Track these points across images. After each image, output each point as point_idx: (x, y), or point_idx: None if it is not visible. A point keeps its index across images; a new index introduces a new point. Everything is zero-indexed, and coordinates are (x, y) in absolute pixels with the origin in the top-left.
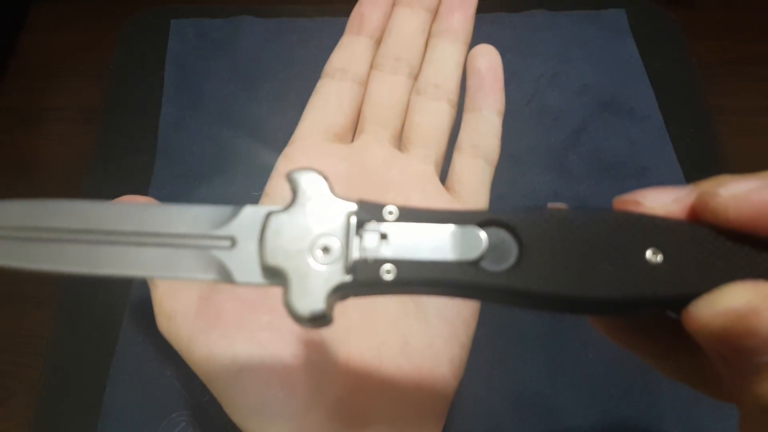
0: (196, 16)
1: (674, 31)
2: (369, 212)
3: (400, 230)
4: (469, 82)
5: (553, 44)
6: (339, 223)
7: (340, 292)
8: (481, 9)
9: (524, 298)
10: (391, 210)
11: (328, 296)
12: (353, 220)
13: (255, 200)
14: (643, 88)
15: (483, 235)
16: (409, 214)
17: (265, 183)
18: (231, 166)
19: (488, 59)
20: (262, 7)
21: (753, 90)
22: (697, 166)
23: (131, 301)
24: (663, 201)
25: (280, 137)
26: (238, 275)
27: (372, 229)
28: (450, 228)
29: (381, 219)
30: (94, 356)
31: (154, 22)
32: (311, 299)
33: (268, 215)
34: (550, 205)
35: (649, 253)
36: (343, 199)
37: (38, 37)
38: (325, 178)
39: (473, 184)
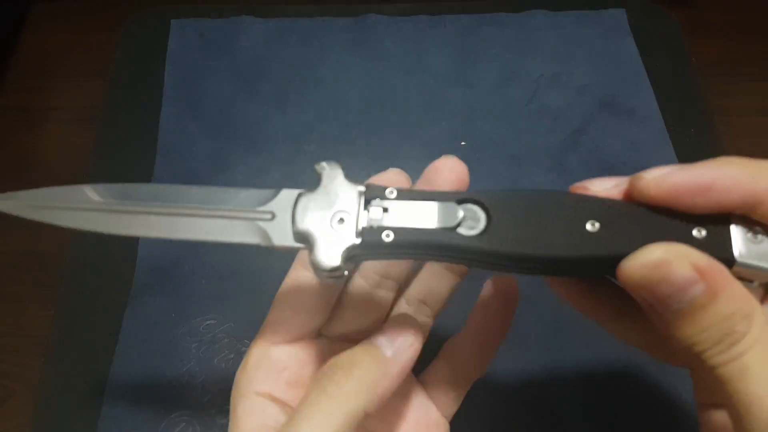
0: (196, 16)
1: (674, 31)
2: (374, 192)
3: (397, 206)
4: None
5: (553, 44)
6: (352, 200)
7: (353, 253)
8: (481, 9)
9: (491, 257)
10: (391, 190)
11: (343, 254)
12: (362, 198)
13: None
14: (644, 88)
15: (459, 209)
16: (405, 194)
17: (264, 182)
18: (231, 165)
19: None
20: (262, 8)
21: (753, 90)
22: None
23: (131, 301)
24: (605, 186)
25: (280, 137)
26: (276, 240)
27: (376, 205)
28: (435, 204)
29: (384, 197)
30: (95, 356)
31: (154, 22)
32: (331, 256)
33: (299, 195)
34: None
35: (588, 224)
36: (354, 182)
37: (38, 37)
38: (342, 168)
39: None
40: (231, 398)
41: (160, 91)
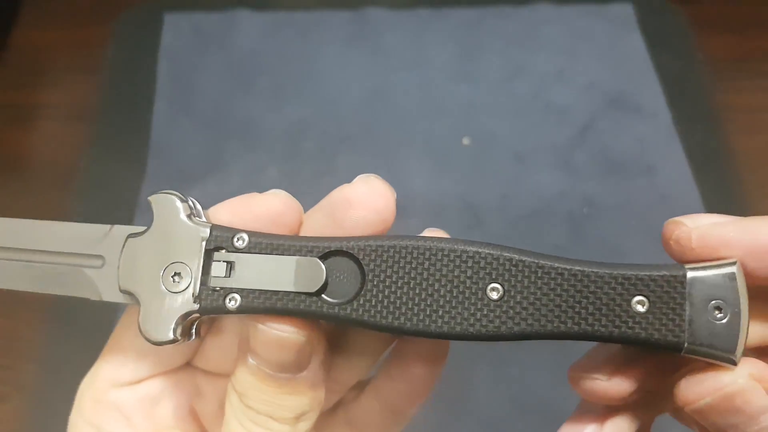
0: (190, 8)
1: (682, 26)
2: (220, 239)
3: (247, 260)
4: None
5: (559, 39)
6: (191, 249)
7: (192, 320)
8: (485, 1)
9: (366, 327)
10: (241, 236)
11: (176, 324)
12: (204, 246)
13: None
14: (651, 84)
15: (323, 267)
16: (257, 244)
17: (261, 181)
18: (226, 164)
19: None
20: None
21: (763, 87)
22: (705, 165)
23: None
24: (704, 222)
25: (276, 135)
26: (105, 294)
27: (220, 259)
28: (294, 260)
29: (231, 247)
30: (88, 359)
31: (147, 17)
32: (161, 327)
33: (127, 238)
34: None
35: (490, 290)
36: (197, 222)
37: (30, 33)
38: (183, 201)
39: None
40: None
41: (153, 87)
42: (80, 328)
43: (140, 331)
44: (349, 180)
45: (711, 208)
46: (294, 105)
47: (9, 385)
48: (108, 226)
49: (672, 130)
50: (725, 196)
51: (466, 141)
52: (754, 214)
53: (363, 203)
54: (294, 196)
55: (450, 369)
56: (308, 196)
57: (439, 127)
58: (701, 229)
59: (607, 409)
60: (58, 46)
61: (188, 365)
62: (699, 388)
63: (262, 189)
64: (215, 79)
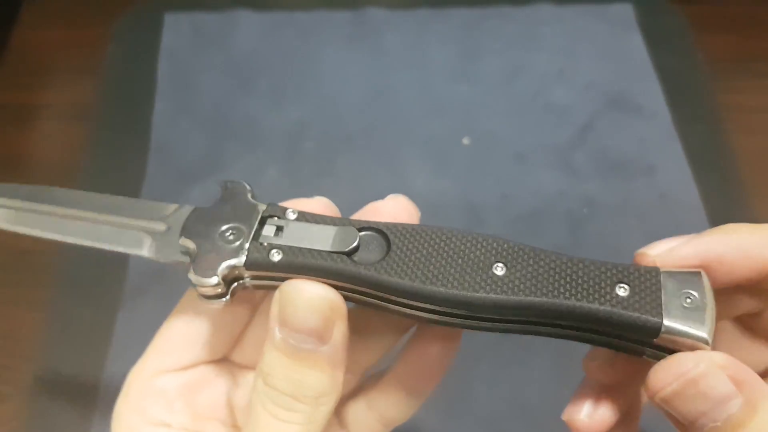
0: (190, 8)
1: (682, 26)
2: (274, 210)
3: (294, 226)
4: None
5: (559, 39)
6: (250, 217)
7: (238, 272)
8: (485, 2)
9: (386, 289)
10: (292, 211)
11: (224, 270)
12: (260, 214)
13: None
14: (651, 84)
15: (357, 233)
16: (305, 216)
17: (261, 181)
18: (227, 164)
19: None
20: None
21: (764, 87)
22: (705, 165)
23: (124, 304)
24: (669, 246)
25: (276, 135)
26: (163, 254)
27: (271, 223)
28: (334, 228)
29: (283, 217)
30: (88, 359)
31: (147, 16)
32: (208, 272)
33: (194, 209)
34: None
35: (496, 267)
36: (259, 202)
37: (30, 33)
38: (250, 187)
39: None
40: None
41: (153, 87)
42: (80, 329)
43: (190, 278)
44: (349, 180)
45: (711, 208)
46: (294, 105)
47: (9, 385)
48: (176, 205)
49: (672, 130)
50: (725, 196)
51: (466, 141)
52: (754, 214)
53: (390, 215)
54: (295, 197)
55: (450, 369)
56: (308, 196)
57: (439, 127)
58: (661, 256)
59: (603, 386)
60: (58, 46)
61: (226, 359)
62: (664, 375)
63: (262, 189)
64: (215, 79)
